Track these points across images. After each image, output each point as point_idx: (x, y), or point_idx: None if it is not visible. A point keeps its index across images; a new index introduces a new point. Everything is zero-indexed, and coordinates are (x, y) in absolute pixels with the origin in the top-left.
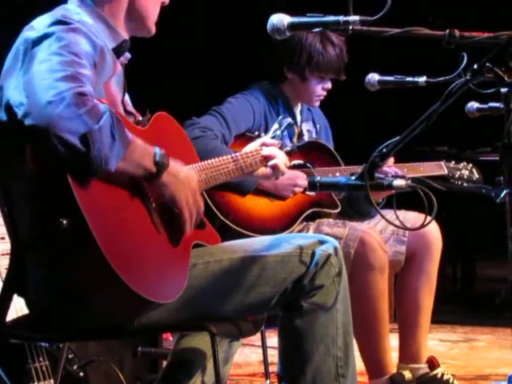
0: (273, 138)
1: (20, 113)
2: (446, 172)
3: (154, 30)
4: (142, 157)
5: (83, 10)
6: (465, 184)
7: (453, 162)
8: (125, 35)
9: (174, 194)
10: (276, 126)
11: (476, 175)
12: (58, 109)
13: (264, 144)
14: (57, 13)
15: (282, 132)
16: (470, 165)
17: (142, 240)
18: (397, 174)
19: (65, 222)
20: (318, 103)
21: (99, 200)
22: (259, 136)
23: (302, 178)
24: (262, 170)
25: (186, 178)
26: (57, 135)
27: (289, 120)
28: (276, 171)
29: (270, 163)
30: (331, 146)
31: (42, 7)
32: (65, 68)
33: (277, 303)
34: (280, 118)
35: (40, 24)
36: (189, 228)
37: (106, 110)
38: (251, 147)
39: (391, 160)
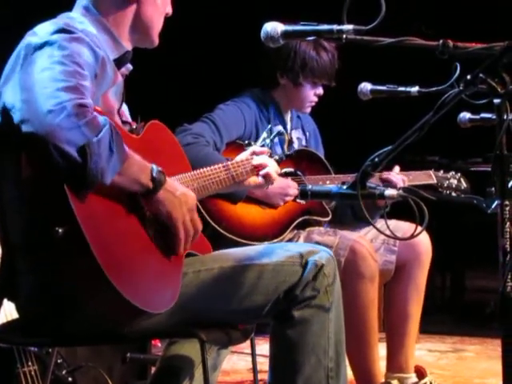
0: (262, 146)
1: (17, 117)
2: (434, 181)
3: (157, 41)
4: (138, 172)
5: (87, 19)
6: (453, 193)
7: (441, 172)
8: (128, 46)
9: (171, 211)
10: (265, 134)
11: (464, 184)
12: (58, 118)
13: (254, 153)
14: (60, 21)
15: (272, 140)
16: (459, 174)
17: (136, 250)
18: (404, 181)
19: (60, 230)
20: (309, 109)
21: (95, 209)
22: (249, 145)
23: (293, 187)
24: (254, 180)
25: (184, 195)
26: (55, 145)
27: (278, 128)
28: (267, 180)
29: (262, 172)
30: (321, 152)
31: (45, 13)
32: (67, 78)
33: (268, 312)
34: (269, 126)
35: (43, 30)
36: (183, 248)
37: (106, 122)
38: (242, 156)
39: (397, 168)
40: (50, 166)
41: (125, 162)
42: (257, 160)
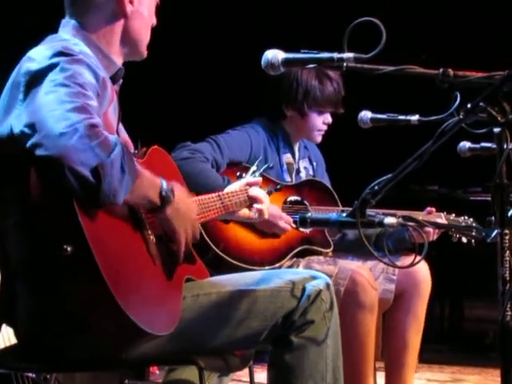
0: None
1: (28, 143)
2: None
3: (145, 53)
4: (148, 189)
5: (80, 40)
6: (463, 238)
7: (453, 215)
8: (119, 62)
9: (175, 227)
10: (254, 167)
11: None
12: (72, 140)
13: (248, 184)
14: (56, 44)
15: (261, 174)
16: (471, 219)
17: (140, 271)
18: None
19: (69, 248)
20: (319, 138)
21: (102, 229)
22: (241, 176)
23: (283, 220)
24: (244, 212)
25: (188, 210)
26: (70, 167)
27: (269, 163)
28: (260, 216)
29: (257, 207)
30: (327, 180)
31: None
32: (73, 99)
33: (266, 338)
34: (258, 160)
35: (40, 55)
36: (182, 256)
37: (117, 142)
38: (235, 186)
39: (433, 210)
40: (61, 187)
41: (136, 180)
42: (253, 192)
